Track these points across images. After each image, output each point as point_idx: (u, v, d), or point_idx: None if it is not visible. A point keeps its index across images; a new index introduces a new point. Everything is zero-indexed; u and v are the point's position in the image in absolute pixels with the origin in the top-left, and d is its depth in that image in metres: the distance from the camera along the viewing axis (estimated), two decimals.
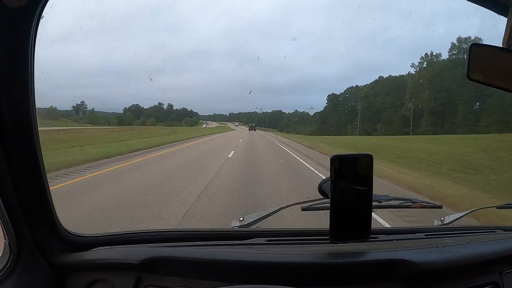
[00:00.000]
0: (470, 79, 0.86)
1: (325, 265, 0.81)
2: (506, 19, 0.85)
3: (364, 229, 0.78)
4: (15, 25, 0.62)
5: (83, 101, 33.27)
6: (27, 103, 0.69)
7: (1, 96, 0.66)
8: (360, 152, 0.76)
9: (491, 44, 0.87)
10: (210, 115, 66.27)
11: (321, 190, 0.87)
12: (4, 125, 0.67)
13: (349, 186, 0.75)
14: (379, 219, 3.91)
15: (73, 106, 32.25)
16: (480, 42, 0.86)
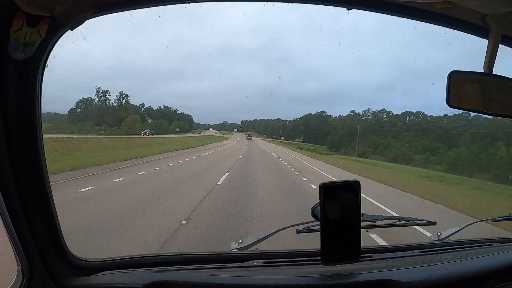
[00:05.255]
0: (451, 106, 0.90)
1: (315, 287, 0.84)
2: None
3: (354, 250, 0.83)
4: (24, 73, 0.72)
5: None
6: (35, 141, 0.77)
7: (12, 130, 0.73)
8: (348, 179, 0.82)
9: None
10: (219, 124, 55.67)
11: (313, 214, 0.92)
12: (17, 160, 0.75)
13: (337, 211, 0.80)
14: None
15: None
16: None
